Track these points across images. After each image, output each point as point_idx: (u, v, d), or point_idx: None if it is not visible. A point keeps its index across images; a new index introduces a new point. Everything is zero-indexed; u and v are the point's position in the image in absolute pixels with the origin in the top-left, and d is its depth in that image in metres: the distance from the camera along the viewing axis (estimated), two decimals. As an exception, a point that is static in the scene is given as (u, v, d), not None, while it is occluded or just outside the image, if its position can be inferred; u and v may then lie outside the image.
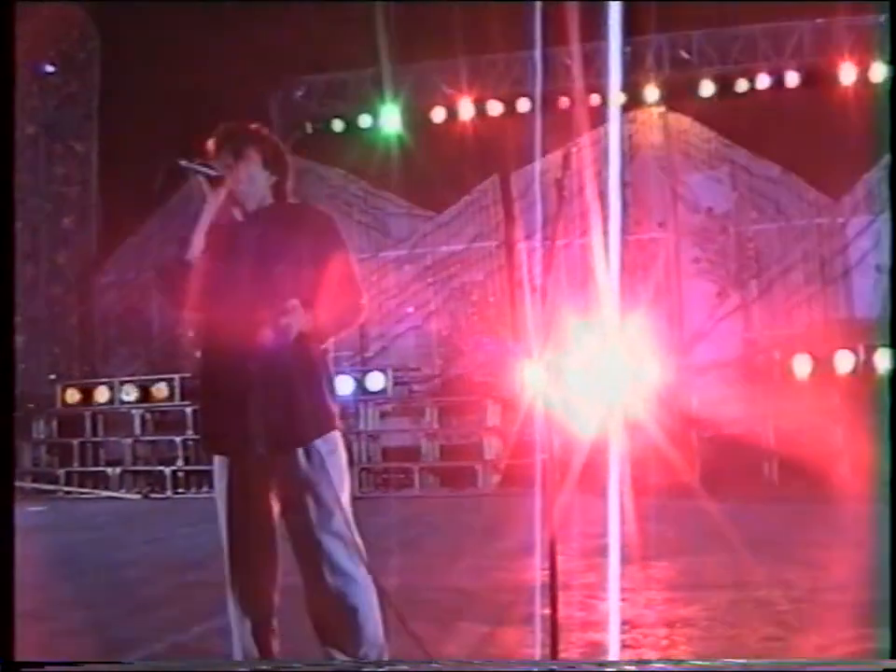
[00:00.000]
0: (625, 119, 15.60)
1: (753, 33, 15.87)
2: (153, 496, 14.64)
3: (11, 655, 3.14)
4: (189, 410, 14.93)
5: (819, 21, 15.35)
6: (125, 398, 15.46)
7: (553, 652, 4.07)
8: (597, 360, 13.34)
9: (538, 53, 14.81)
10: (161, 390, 15.29)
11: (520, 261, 15.52)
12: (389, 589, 6.59)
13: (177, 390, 15.17)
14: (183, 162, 4.24)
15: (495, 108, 16.99)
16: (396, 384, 14.72)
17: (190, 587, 7.66)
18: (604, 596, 6.23)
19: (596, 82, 16.32)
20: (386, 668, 4.38)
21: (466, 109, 16.96)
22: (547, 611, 5.94)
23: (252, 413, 4.15)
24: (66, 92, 18.32)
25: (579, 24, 14.88)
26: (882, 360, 12.40)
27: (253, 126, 4.51)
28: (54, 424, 16.05)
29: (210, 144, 4.42)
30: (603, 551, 6.43)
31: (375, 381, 14.40)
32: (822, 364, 12.90)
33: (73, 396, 15.80)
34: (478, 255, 16.15)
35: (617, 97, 15.22)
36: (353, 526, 4.24)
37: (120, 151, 16.77)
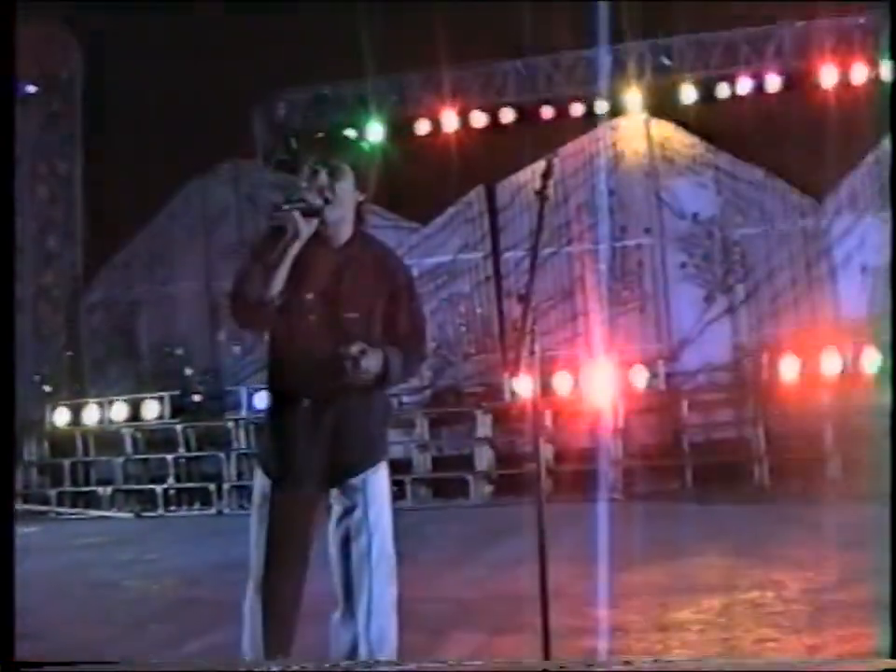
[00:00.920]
0: (608, 126, 15.65)
1: (734, 37, 15.93)
2: (145, 514, 14.59)
3: (11, 655, 3.15)
4: (179, 428, 14.92)
5: (798, 24, 15.41)
6: (115, 417, 15.43)
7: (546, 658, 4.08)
8: (587, 368, 13.44)
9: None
10: (151, 408, 15.26)
11: (507, 272, 15.54)
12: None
13: (167, 408, 15.15)
14: (285, 207, 4.10)
15: (478, 119, 17.02)
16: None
17: (184, 604, 7.67)
18: (596, 603, 6.23)
19: (579, 91, 16.41)
20: (386, 669, 4.36)
21: (449, 121, 16.97)
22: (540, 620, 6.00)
23: (307, 441, 4.21)
24: (49, 112, 18.31)
25: (560, 33, 15.02)
26: (869, 360, 12.44)
27: (346, 134, 4.41)
28: (45, 444, 16.01)
29: (305, 157, 4.34)
30: (593, 558, 6.46)
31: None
32: (810, 365, 12.94)
33: (63, 416, 15.78)
34: (464, 266, 16.14)
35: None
36: (392, 553, 4.35)
37: (104, 171, 16.79)
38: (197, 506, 14.38)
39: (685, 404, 13.34)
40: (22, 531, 13.58)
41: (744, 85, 15.80)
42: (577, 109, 16.50)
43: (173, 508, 14.63)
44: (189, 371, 16.60)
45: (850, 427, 11.80)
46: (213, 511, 14.00)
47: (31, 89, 18.16)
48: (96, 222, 17.64)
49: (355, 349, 3.97)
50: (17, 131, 17.82)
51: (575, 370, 13.37)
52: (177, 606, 7.70)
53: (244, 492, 13.16)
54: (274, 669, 4.20)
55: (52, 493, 15.35)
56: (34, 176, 18.21)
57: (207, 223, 17.16)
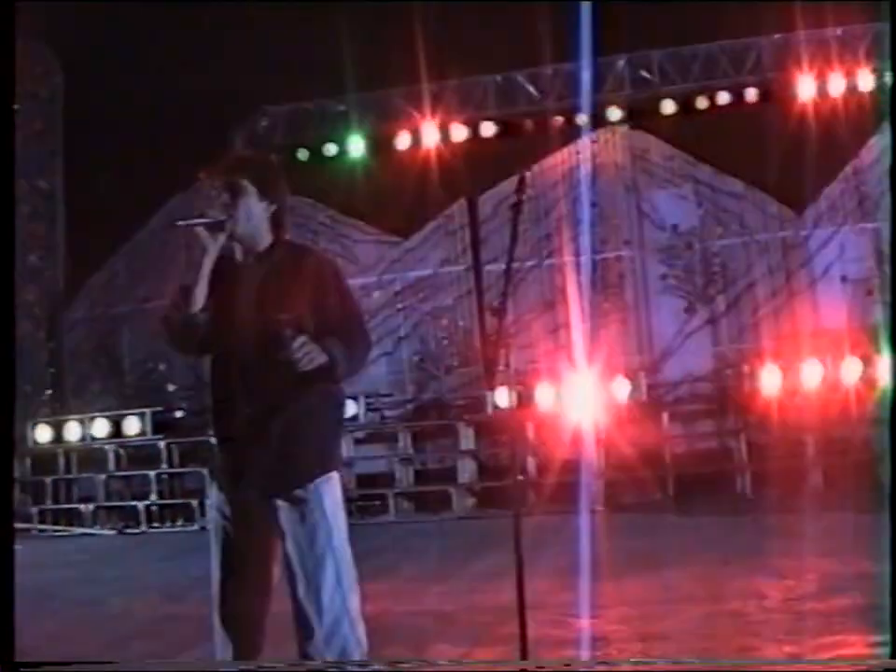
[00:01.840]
0: (588, 139, 15.71)
1: (713, 50, 16.03)
2: (128, 531, 14.55)
3: (11, 655, 3.15)
4: (161, 444, 14.88)
5: (776, 36, 15.51)
6: (97, 433, 15.39)
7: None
8: (569, 380, 13.46)
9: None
10: (132, 425, 15.22)
11: (489, 284, 15.58)
12: (368, 615, 6.62)
13: (149, 425, 15.11)
14: (182, 223, 4.26)
15: (459, 133, 17.08)
16: (368, 410, 14.73)
17: (167, 619, 7.65)
18: (578, 614, 6.25)
19: (559, 104, 16.47)
20: (385, 668, 4.50)
21: (430, 134, 17.03)
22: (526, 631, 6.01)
23: (255, 453, 4.18)
24: (30, 130, 18.29)
25: (541, 47, 15.09)
26: (850, 371, 12.49)
27: (244, 154, 4.49)
28: (27, 462, 15.93)
29: (204, 180, 4.39)
30: (577, 569, 6.47)
31: (347, 408, 14.39)
32: (791, 376, 12.98)
33: (44, 433, 15.70)
34: (447, 279, 16.19)
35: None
36: (349, 562, 4.28)
37: (86, 187, 16.78)
38: (180, 522, 14.34)
39: (666, 415, 13.37)
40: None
41: (723, 97, 15.89)
42: (557, 122, 16.57)
43: (156, 524, 14.59)
44: (171, 388, 16.59)
45: (831, 436, 11.87)
46: (196, 527, 13.95)
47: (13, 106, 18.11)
48: (78, 239, 17.63)
49: (297, 342, 3.97)
50: (-3, 148, 17.73)
51: (557, 382, 13.39)
52: (160, 622, 7.69)
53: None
54: (273, 669, 4.24)
55: (34, 510, 15.27)
56: (15, 193, 18.15)
57: (189, 239, 17.15)
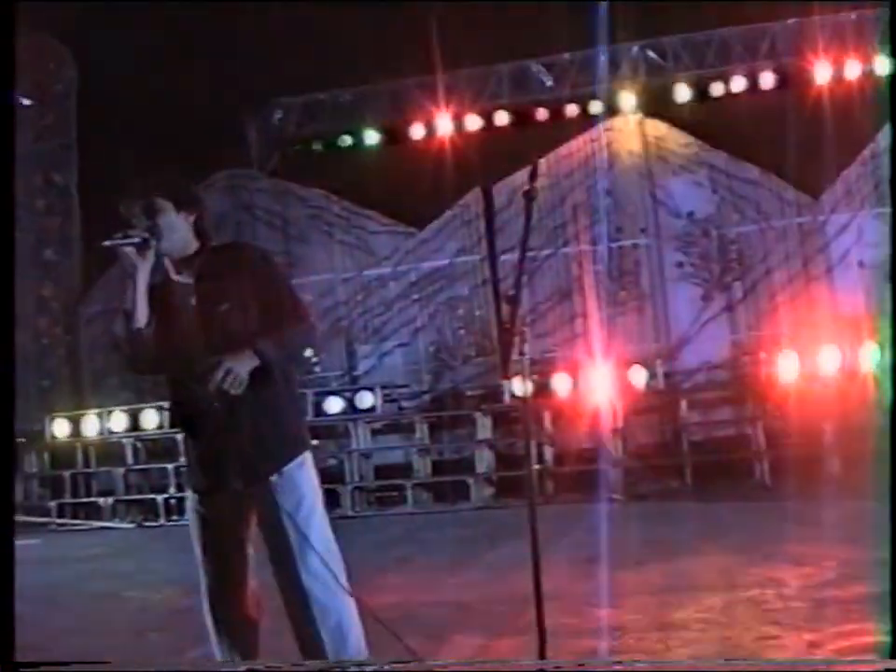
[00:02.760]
0: (603, 127, 15.65)
1: (727, 36, 15.95)
2: (147, 524, 14.57)
3: (11, 655, 3.15)
4: (179, 437, 14.86)
5: (791, 21, 15.43)
6: (115, 427, 15.41)
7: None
8: (586, 368, 13.41)
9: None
10: (150, 418, 15.23)
11: (504, 274, 15.53)
12: (386, 605, 6.60)
13: (167, 418, 15.11)
14: (107, 243, 4.35)
15: (473, 122, 17.04)
16: (385, 401, 14.71)
17: (186, 612, 7.62)
18: (596, 603, 6.23)
19: (573, 92, 16.42)
20: (386, 668, 4.29)
21: (444, 125, 17.00)
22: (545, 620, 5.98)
23: (219, 450, 4.30)
24: (44, 124, 18.32)
25: (554, 34, 15.03)
26: (867, 356, 12.42)
27: (151, 176, 4.57)
28: (45, 456, 15.99)
29: (122, 211, 4.48)
30: (594, 558, 6.45)
31: (364, 399, 14.40)
32: (809, 362, 12.91)
33: (63, 427, 15.74)
34: (462, 269, 16.15)
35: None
36: (331, 543, 4.38)
37: (100, 181, 16.77)
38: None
39: (684, 403, 13.31)
40: (23, 543, 13.59)
41: (738, 83, 15.83)
42: (571, 110, 16.52)
43: (174, 517, 14.59)
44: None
45: (849, 423, 11.80)
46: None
47: (25, 101, 18.16)
48: (94, 233, 17.61)
49: (219, 373, 4.12)
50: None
51: (574, 370, 13.34)
52: (178, 615, 7.67)
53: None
54: (272, 669, 4.20)
55: (53, 505, 15.31)
56: (30, 188, 18.21)
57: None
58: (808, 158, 13.71)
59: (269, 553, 4.37)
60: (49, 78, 18.27)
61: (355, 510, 13.64)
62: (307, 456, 4.46)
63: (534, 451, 12.63)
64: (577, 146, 15.71)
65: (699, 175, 15.27)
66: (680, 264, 15.19)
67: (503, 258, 15.76)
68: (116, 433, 15.39)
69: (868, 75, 14.66)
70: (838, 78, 14.88)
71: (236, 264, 4.44)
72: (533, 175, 4.39)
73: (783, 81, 15.66)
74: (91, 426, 15.56)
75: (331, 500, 13.64)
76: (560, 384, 13.30)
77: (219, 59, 14.82)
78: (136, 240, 4.31)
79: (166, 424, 15.04)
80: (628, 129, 15.79)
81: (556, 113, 16.75)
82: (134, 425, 15.33)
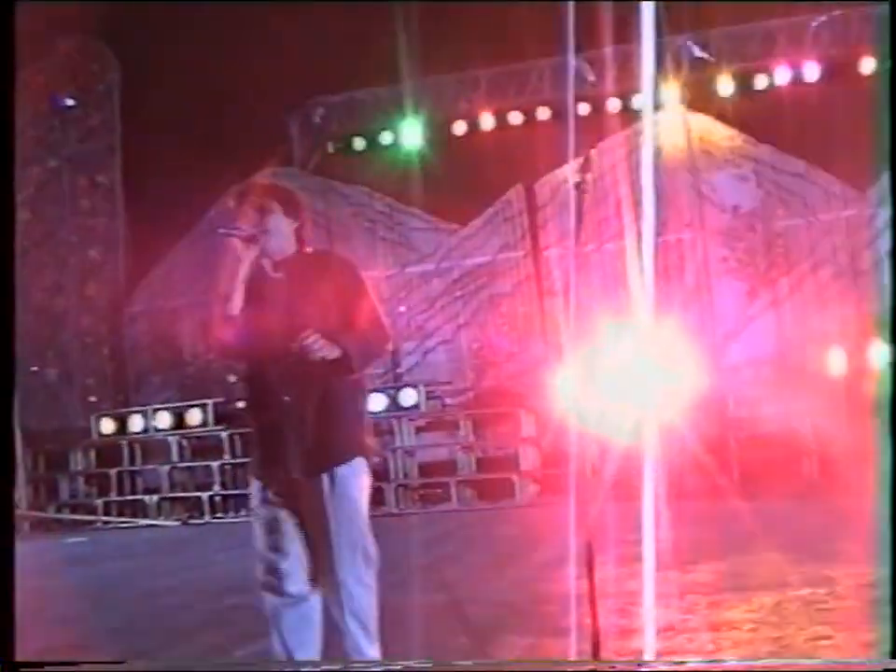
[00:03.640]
0: (647, 121, 15.50)
1: (771, 28, 15.80)
2: (192, 522, 14.63)
3: (11, 655, 3.14)
4: (224, 434, 14.94)
5: (836, 13, 15.25)
6: (160, 425, 15.49)
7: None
8: (630, 365, 13.30)
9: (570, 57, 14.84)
10: (195, 416, 15.31)
11: (548, 270, 15.46)
12: (435, 604, 6.55)
13: (211, 415, 15.20)
14: (221, 231, 4.74)
15: (515, 118, 16.99)
16: (429, 398, 14.70)
17: (232, 611, 7.63)
18: (644, 603, 6.15)
19: (615, 87, 16.29)
20: (387, 668, 4.70)
21: (486, 121, 16.96)
22: (588, 621, 5.93)
23: (287, 441, 4.61)
24: (88, 125, 18.42)
25: (594, 29, 14.94)
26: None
27: (269, 182, 5.22)
28: (91, 454, 16.10)
29: (233, 204, 4.86)
30: (642, 557, 6.38)
31: (408, 397, 14.40)
32: (857, 358, 12.76)
33: (108, 426, 15.86)
34: (505, 266, 16.09)
35: (649, 97, 15.20)
36: (368, 549, 4.64)
37: (144, 181, 16.86)
38: (243, 512, 14.34)
39: (731, 400, 13.19)
40: (70, 541, 13.69)
41: (782, 76, 15.66)
42: (614, 105, 16.42)
43: (219, 514, 14.65)
44: (232, 378, 16.63)
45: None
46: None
47: (69, 102, 18.27)
48: (137, 232, 17.72)
49: (306, 335, 4.44)
50: (56, 144, 17.97)
51: (618, 367, 13.22)
52: (225, 613, 7.68)
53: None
54: (272, 669, 4.55)
55: (99, 502, 15.41)
56: (74, 189, 18.32)
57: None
58: (855, 151, 13.54)
59: (312, 540, 4.65)
60: (92, 80, 18.37)
61: (399, 507, 13.64)
62: (359, 462, 4.71)
63: (576, 448, 12.58)
64: (619, 140, 15.59)
65: (744, 169, 15.14)
66: (725, 259, 15.06)
67: (546, 253, 15.72)
68: (161, 430, 15.47)
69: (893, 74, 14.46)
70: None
71: (327, 272, 4.77)
72: (585, 166, 4.36)
73: (828, 73, 15.47)
74: (136, 424, 15.66)
75: (376, 498, 13.63)
76: (604, 380, 13.17)
77: (261, 58, 14.84)
78: (248, 233, 4.68)
79: (210, 421, 15.14)
80: (672, 123, 15.66)
81: (599, 108, 16.65)
82: (179, 422, 15.41)
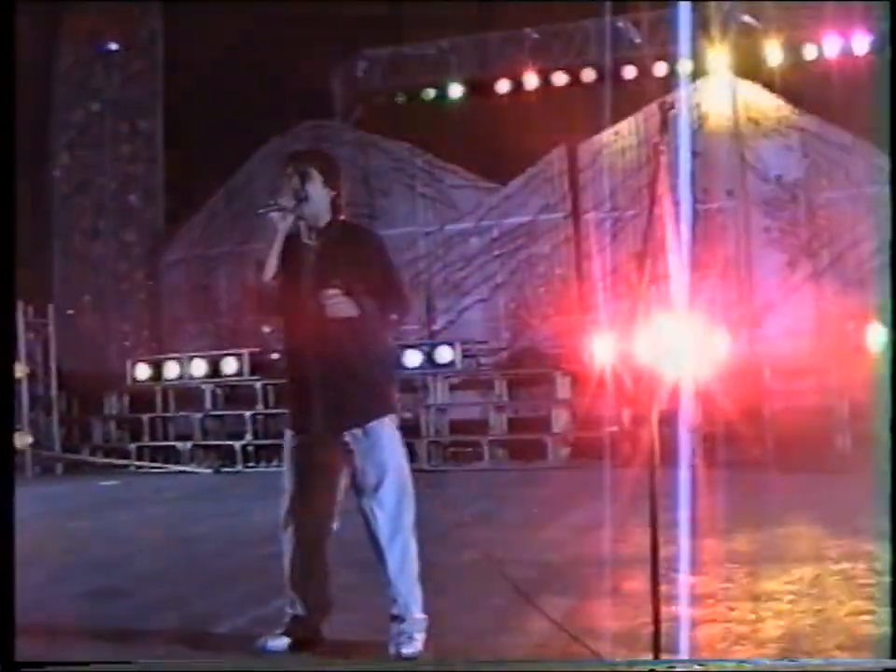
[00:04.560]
0: (693, 87, 15.39)
1: (821, -2, 15.63)
2: (224, 470, 14.71)
3: (11, 655, 3.18)
4: (258, 385, 15.00)
5: (889, -17, 15.05)
6: (195, 373, 15.56)
7: (656, 629, 4.05)
8: (668, 332, 13.24)
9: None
10: (229, 365, 15.37)
11: (587, 233, 15.40)
12: (470, 562, 6.57)
13: (246, 365, 15.25)
14: (260, 211, 5.14)
15: (559, 79, 16.90)
16: (464, 356, 14.69)
17: (266, 560, 7.63)
18: (683, 570, 6.16)
19: (662, 50, 16.16)
20: (389, 668, 4.93)
21: (530, 80, 16.87)
22: (628, 584, 5.95)
23: (314, 397, 5.02)
24: (131, 71, 18.43)
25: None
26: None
27: (311, 149, 5.59)
28: (125, 399, 16.20)
29: (282, 168, 5.24)
30: (677, 523, 6.37)
31: (443, 354, 14.39)
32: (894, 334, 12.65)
33: (143, 372, 15.94)
34: (544, 227, 16.03)
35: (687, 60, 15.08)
36: (402, 502, 5.02)
37: (185, 129, 16.86)
38: (275, 462, 14.38)
39: (767, 371, 13.13)
40: (104, 484, 13.79)
41: (832, 47, 15.50)
42: (660, 69, 16.31)
43: (251, 464, 14.73)
44: (266, 329, 16.66)
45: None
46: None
47: (112, 46, 18.26)
48: (177, 180, 17.74)
49: (328, 292, 4.88)
50: (98, 88, 17.96)
51: (655, 333, 13.17)
52: (259, 562, 7.70)
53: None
54: (273, 669, 4.83)
55: (132, 447, 15.51)
56: (115, 134, 18.35)
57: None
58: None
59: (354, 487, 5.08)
60: (136, 25, 18.35)
61: (431, 463, 13.67)
62: (387, 420, 5.08)
63: (610, 412, 12.58)
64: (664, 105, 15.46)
65: (790, 139, 14.99)
66: (767, 229, 14.96)
67: (586, 216, 15.66)
68: (195, 378, 15.54)
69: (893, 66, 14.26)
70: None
71: (357, 243, 5.17)
72: (664, 127, 4.38)
73: (877, 45, 15.29)
74: (170, 371, 15.73)
75: (407, 453, 13.69)
76: (640, 346, 13.14)
77: (306, 8, 14.78)
78: (284, 207, 5.07)
79: (246, 371, 15.19)
80: (718, 89, 15.52)
81: (644, 71, 16.54)
82: (214, 371, 15.47)
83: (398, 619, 4.96)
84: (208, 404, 15.55)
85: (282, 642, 5.14)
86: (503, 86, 17.16)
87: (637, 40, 16.69)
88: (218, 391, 15.63)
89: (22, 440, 15.26)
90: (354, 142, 17.14)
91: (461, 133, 16.20)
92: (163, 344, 17.55)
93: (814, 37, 15.68)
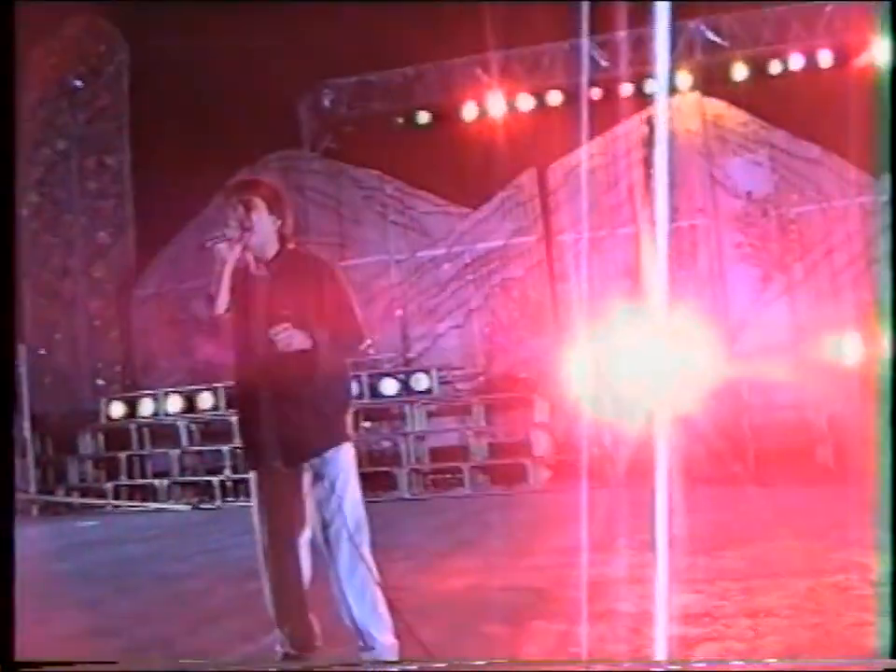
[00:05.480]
0: (659, 106, 15.42)
1: (784, 13, 15.73)
2: (203, 506, 14.58)
3: (11, 655, 3.11)
4: (234, 419, 14.86)
5: (849, -1, 15.18)
6: (170, 409, 15.44)
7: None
8: (644, 351, 13.22)
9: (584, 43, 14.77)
10: (205, 400, 15.26)
11: (560, 255, 15.40)
12: (458, 590, 6.50)
13: (222, 399, 15.14)
14: (208, 244, 4.98)
15: (526, 102, 16.93)
16: (441, 383, 14.63)
17: (252, 596, 7.55)
18: (678, 589, 6.11)
19: (628, 71, 16.21)
20: (390, 668, 4.90)
21: (497, 104, 16.89)
22: (621, 607, 5.89)
23: (268, 431, 4.92)
24: (96, 107, 18.34)
25: (607, 13, 14.83)
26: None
27: (253, 178, 5.32)
28: (100, 438, 16.05)
29: (224, 197, 5.10)
30: (669, 543, 6.32)
31: (420, 381, 14.33)
32: (871, 345, 12.71)
33: (118, 409, 15.80)
34: (517, 250, 16.02)
35: (664, 81, 15.08)
36: (360, 532, 4.96)
37: (153, 163, 16.78)
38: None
39: (745, 387, 13.13)
40: (81, 525, 13.64)
41: (796, 61, 15.61)
42: (626, 90, 16.35)
43: (230, 498, 14.60)
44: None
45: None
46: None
47: (77, 83, 18.19)
48: (146, 215, 17.66)
49: (278, 328, 4.77)
50: (64, 125, 17.85)
51: (632, 353, 13.16)
52: (245, 598, 7.60)
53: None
54: (276, 669, 4.84)
55: (109, 486, 15.36)
56: (82, 171, 18.26)
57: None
58: (869, 136, 13.46)
59: (314, 523, 5.00)
60: (100, 61, 18.29)
61: (412, 492, 13.57)
62: (346, 447, 5.04)
63: (590, 434, 12.53)
64: (632, 125, 15.52)
65: (758, 155, 15.07)
66: (739, 245, 15.01)
67: (558, 238, 15.66)
68: (171, 415, 15.42)
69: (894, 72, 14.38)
70: (898, 56, 14.59)
71: (306, 270, 5.08)
72: (649, 142, 4.32)
73: (841, 59, 15.40)
74: (145, 408, 15.61)
75: (388, 483, 13.62)
76: (619, 366, 13.14)
77: (271, 40, 14.77)
78: (230, 235, 4.93)
79: (222, 405, 15.08)
80: (685, 107, 15.58)
81: (610, 93, 16.58)
82: (189, 406, 15.36)
83: (369, 649, 4.93)
84: (185, 440, 15.42)
85: None
86: (470, 111, 17.18)
87: (603, 62, 16.72)
88: (194, 427, 15.50)
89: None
90: (323, 171, 17.10)
91: (430, 159, 16.19)
92: (137, 381, 17.41)
93: (779, 53, 15.76)
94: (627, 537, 7.68)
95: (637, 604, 5.75)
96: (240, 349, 5.02)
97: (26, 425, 15.61)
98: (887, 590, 4.83)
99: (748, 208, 15.03)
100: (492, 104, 17.01)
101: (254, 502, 5.10)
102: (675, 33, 15.60)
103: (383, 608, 4.95)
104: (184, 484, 15.14)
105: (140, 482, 15.40)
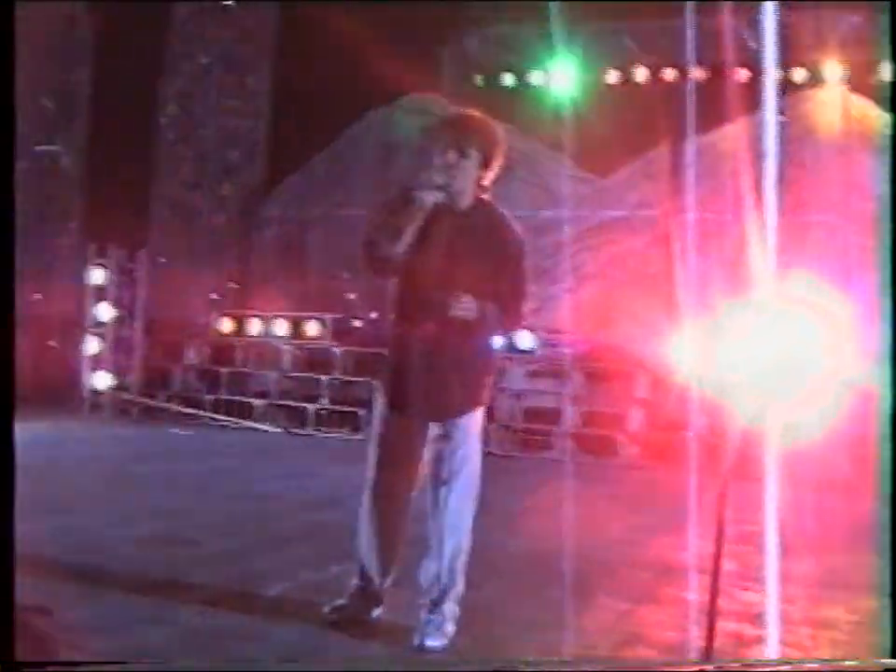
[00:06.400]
0: (804, 97, 15.14)
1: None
2: (294, 431, 14.80)
3: (11, 655, 3.22)
4: (337, 350, 15.05)
5: None
6: (277, 332, 15.66)
7: (709, 644, 3.99)
8: (759, 341, 13.01)
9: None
10: (312, 328, 15.45)
11: (683, 233, 15.23)
12: (537, 551, 6.52)
13: (329, 330, 15.31)
14: (415, 192, 4.83)
15: (669, 74, 16.74)
16: (545, 344, 14.59)
17: (324, 526, 7.71)
18: (744, 586, 6.09)
19: (778, 56, 15.88)
20: (396, 669, 4.92)
21: (639, 73, 16.73)
22: (690, 595, 5.88)
23: (417, 381, 4.93)
24: (244, 26, 18.53)
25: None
26: None
27: (474, 121, 5.00)
28: (206, 351, 16.34)
29: (437, 131, 5.03)
30: (744, 538, 6.27)
31: (524, 340, 14.28)
32: None
33: (227, 325, 16.07)
34: (640, 223, 15.88)
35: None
36: (470, 502, 4.99)
37: (293, 89, 16.93)
38: (346, 429, 14.45)
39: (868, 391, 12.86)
40: (177, 433, 13.97)
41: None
42: (774, 74, 16.02)
43: (322, 428, 14.79)
44: (351, 296, 16.73)
45: None
46: (360, 436, 14.07)
47: (228, 2, 18.40)
48: (278, 140, 17.84)
49: (462, 300, 4.73)
50: (210, 41, 18.04)
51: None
52: (320, 527, 7.77)
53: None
54: (278, 670, 4.76)
55: (209, 399, 15.64)
56: (222, 88, 18.48)
57: (386, 152, 17.20)
58: None
59: (427, 481, 5.04)
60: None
61: (502, 448, 13.59)
62: (479, 414, 5.06)
63: (690, 417, 12.41)
64: (772, 112, 15.23)
65: (898, 155, 14.69)
66: (865, 248, 14.68)
67: (683, 216, 15.47)
68: (277, 337, 15.64)
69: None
70: None
71: (496, 241, 4.94)
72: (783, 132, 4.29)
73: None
74: (253, 327, 15.85)
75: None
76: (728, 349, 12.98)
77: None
78: (437, 186, 4.82)
79: (327, 336, 15.25)
80: (830, 101, 15.26)
81: (758, 76, 16.27)
82: (295, 332, 15.57)
83: (432, 606, 4.93)
84: (287, 365, 15.64)
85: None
86: (612, 76, 17.03)
87: (752, 44, 16.41)
88: (298, 353, 15.71)
89: (103, 381, 15.52)
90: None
91: (566, 120, 16.06)
92: (250, 300, 17.68)
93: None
94: (707, 525, 7.64)
95: (702, 595, 5.74)
96: (408, 295, 4.99)
97: (139, 328, 16.00)
98: (887, 590, 4.74)
99: (879, 212, 14.69)
100: (634, 71, 16.84)
101: (377, 437, 5.10)
102: (828, 24, 15.30)
103: (462, 577, 4.99)
104: (279, 407, 15.36)
105: (238, 398, 15.65)
